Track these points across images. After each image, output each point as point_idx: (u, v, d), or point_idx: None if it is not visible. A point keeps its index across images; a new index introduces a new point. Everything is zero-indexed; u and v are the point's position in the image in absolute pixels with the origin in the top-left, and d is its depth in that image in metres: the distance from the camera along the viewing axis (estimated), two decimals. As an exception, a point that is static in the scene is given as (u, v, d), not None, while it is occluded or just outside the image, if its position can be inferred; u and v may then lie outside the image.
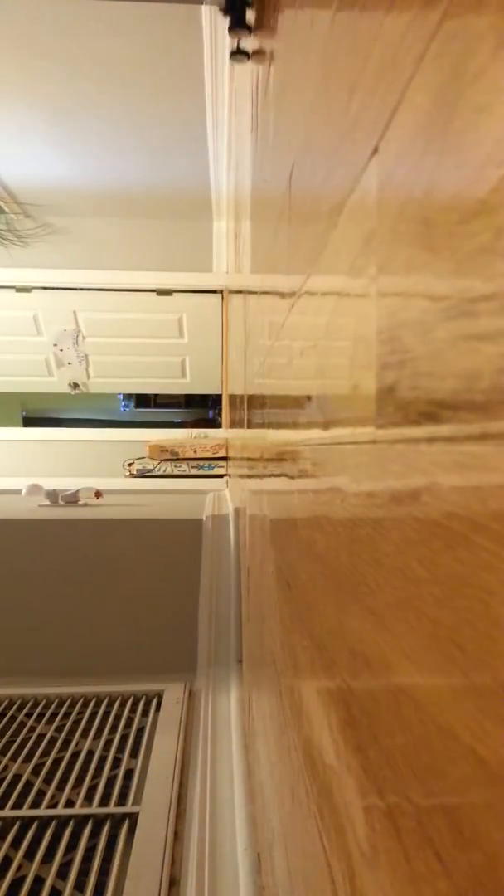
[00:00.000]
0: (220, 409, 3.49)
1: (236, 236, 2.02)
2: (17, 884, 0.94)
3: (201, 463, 3.07)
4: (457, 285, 0.19)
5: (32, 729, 1.42)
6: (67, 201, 2.94)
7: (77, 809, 1.10)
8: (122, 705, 1.52)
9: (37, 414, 5.24)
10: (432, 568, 0.21)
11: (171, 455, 3.06)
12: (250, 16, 1.07)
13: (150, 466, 3.10)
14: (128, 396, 5.35)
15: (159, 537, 1.93)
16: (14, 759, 1.29)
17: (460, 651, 0.19)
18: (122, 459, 3.23)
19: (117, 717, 1.46)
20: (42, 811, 1.10)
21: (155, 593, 1.85)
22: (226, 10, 1.10)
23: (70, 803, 1.13)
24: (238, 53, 1.10)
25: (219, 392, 3.47)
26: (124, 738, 1.37)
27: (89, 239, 3.16)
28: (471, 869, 0.18)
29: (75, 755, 1.30)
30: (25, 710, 1.50)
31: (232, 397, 2.46)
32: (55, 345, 3.29)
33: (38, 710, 1.51)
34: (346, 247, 0.35)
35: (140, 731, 1.40)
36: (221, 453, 3.07)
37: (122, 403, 5.40)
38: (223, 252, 3.18)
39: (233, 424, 2.35)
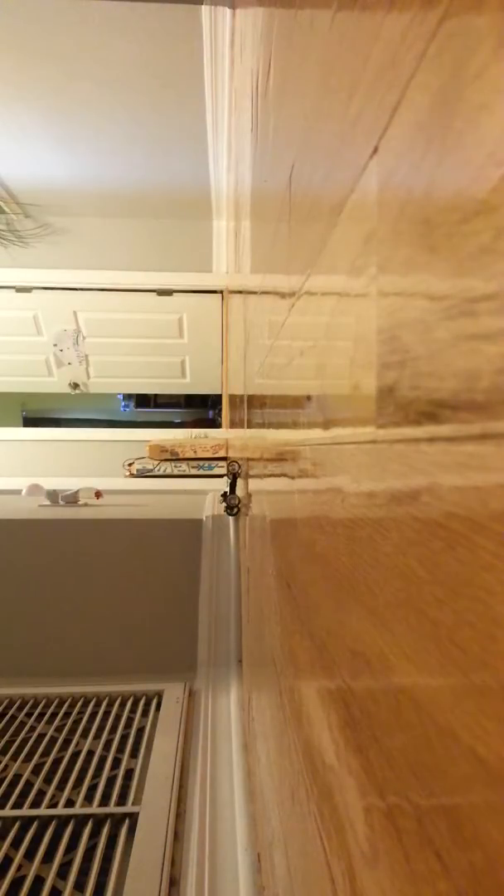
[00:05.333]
0: (220, 409, 3.49)
1: (236, 236, 2.01)
2: (17, 884, 0.94)
3: (201, 463, 3.07)
4: (457, 285, 0.19)
5: (32, 729, 1.42)
6: (67, 201, 2.94)
7: (77, 809, 1.10)
8: (122, 705, 1.52)
9: (37, 414, 5.25)
10: (432, 568, 0.21)
11: (171, 455, 3.06)
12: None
13: (150, 466, 3.10)
14: (128, 396, 5.35)
15: (159, 537, 1.93)
16: (14, 759, 1.29)
17: (460, 651, 0.19)
18: (122, 459, 3.23)
19: (117, 717, 1.46)
20: (42, 811, 1.10)
21: (155, 593, 1.85)
22: None
23: (70, 803, 1.13)
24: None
25: (219, 392, 3.47)
26: (124, 738, 1.37)
27: (89, 239, 3.16)
28: (471, 869, 0.18)
29: (75, 755, 1.30)
30: (25, 710, 1.50)
31: (232, 397, 2.46)
32: (55, 345, 3.29)
33: (38, 710, 1.51)
34: (346, 247, 0.35)
35: (140, 731, 1.40)
36: (221, 453, 3.07)
37: (122, 403, 5.40)
38: (223, 252, 3.18)
39: (233, 424, 2.35)
